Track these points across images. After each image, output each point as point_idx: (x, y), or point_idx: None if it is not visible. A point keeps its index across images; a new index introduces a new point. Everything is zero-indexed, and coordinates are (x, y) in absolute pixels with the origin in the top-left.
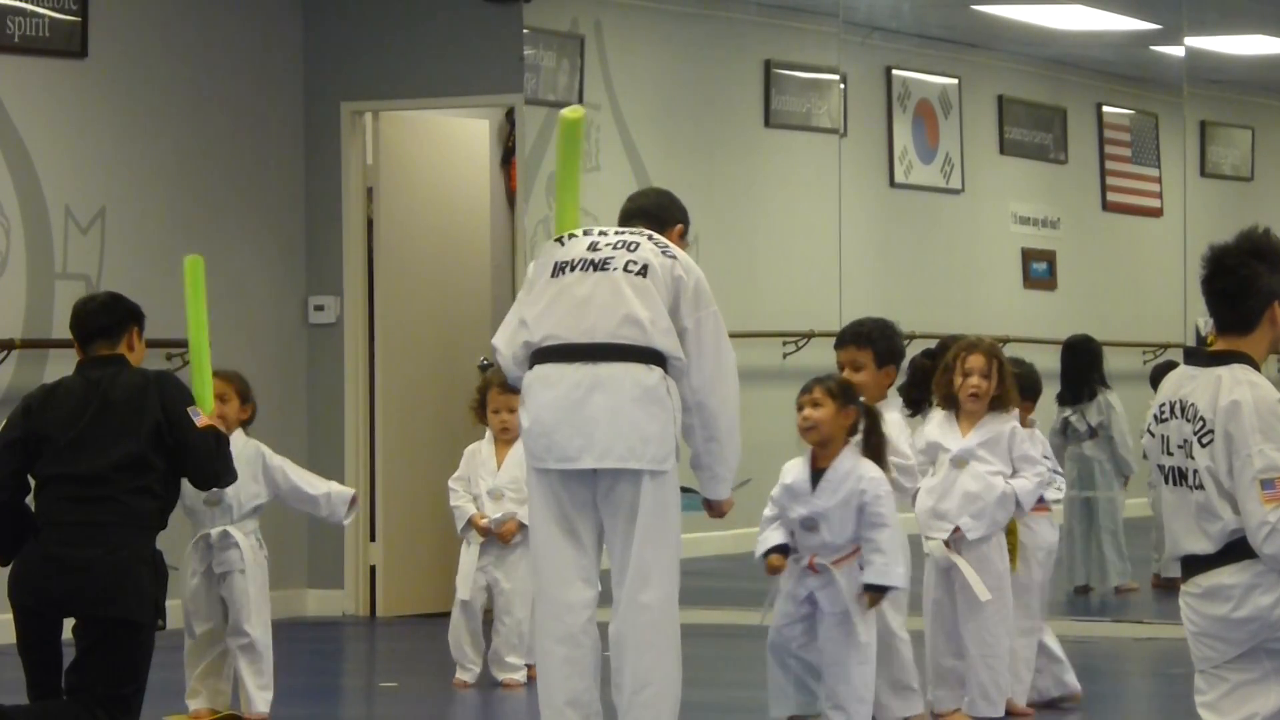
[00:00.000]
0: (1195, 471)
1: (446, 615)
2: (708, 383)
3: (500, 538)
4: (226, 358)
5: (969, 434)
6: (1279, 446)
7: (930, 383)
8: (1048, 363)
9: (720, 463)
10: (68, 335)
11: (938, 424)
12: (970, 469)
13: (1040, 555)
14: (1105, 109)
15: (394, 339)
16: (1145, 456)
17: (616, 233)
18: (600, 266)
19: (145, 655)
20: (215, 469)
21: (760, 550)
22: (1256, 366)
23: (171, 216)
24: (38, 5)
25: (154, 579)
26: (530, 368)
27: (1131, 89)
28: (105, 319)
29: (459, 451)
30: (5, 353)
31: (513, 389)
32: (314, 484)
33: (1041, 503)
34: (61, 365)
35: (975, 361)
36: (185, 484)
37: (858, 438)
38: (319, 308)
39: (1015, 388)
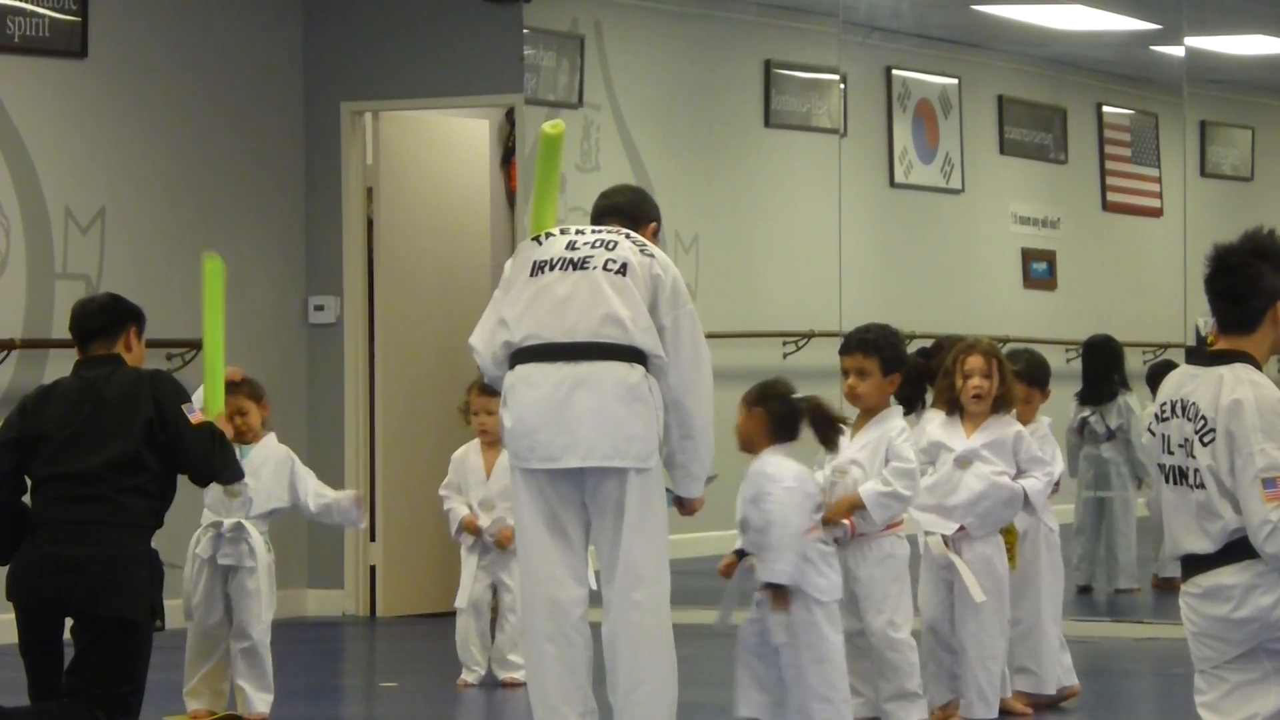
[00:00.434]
0: (1196, 470)
1: (446, 615)
2: (684, 381)
3: (498, 544)
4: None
5: (973, 435)
6: None
7: (924, 382)
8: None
9: (695, 460)
10: (68, 335)
11: (940, 425)
12: (975, 469)
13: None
14: (1105, 109)
15: (394, 339)
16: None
17: (594, 231)
18: (580, 265)
19: (143, 655)
20: (213, 465)
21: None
22: (1258, 366)
23: (171, 216)
24: (38, 5)
25: (149, 578)
26: (511, 368)
27: (1131, 89)
28: (102, 319)
29: None
30: (5, 353)
31: (491, 391)
32: (326, 494)
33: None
34: (61, 365)
35: (975, 363)
36: None
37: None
38: (319, 308)
39: (1016, 385)
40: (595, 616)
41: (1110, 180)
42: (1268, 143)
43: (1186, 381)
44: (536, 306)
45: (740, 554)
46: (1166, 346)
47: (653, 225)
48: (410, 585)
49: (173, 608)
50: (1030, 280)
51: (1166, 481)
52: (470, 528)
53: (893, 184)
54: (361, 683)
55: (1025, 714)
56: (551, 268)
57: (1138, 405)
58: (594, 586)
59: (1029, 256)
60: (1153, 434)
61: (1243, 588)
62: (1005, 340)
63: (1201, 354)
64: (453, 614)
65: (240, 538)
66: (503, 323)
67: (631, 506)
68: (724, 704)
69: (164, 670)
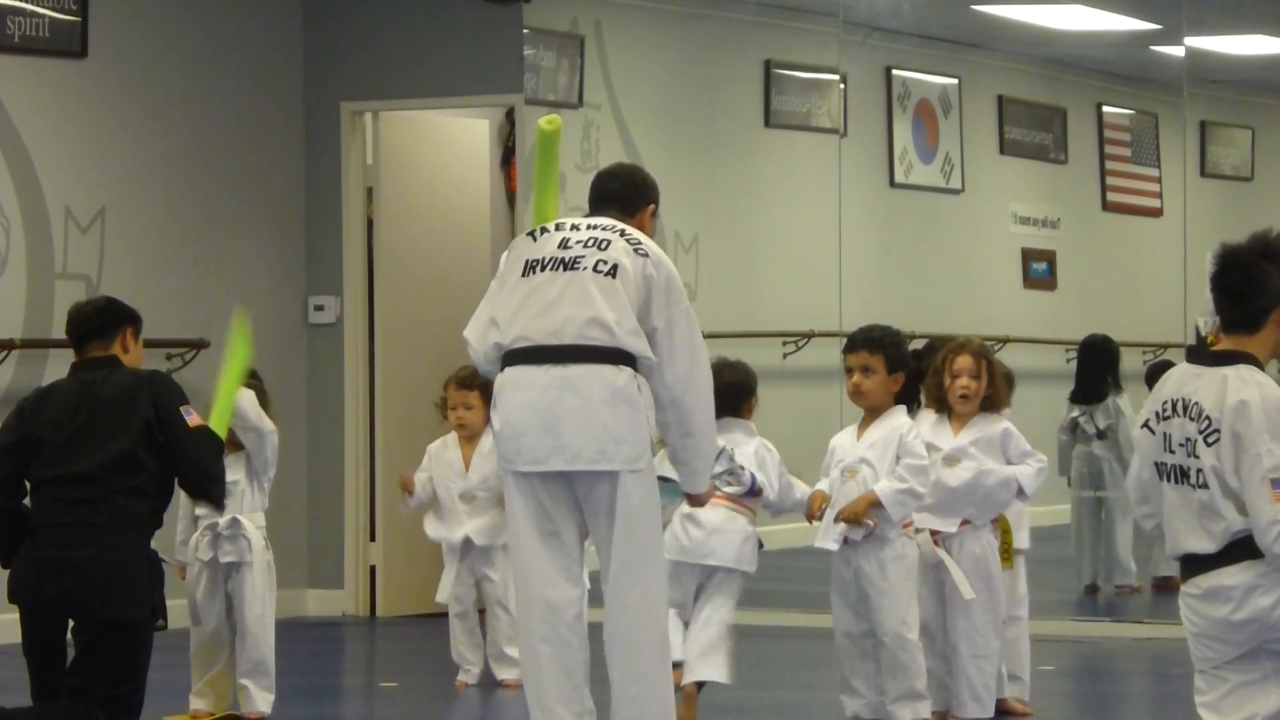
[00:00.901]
0: (1199, 470)
1: (446, 615)
2: (682, 380)
3: (402, 488)
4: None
5: (960, 434)
6: None
7: (917, 383)
8: (1049, 362)
9: (697, 457)
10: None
11: (930, 426)
12: (963, 464)
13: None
14: (1105, 109)
15: (394, 339)
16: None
17: (589, 227)
18: (570, 266)
19: (143, 655)
20: (210, 471)
21: None
22: (1261, 367)
23: (171, 216)
24: (38, 5)
25: (149, 579)
26: (502, 369)
27: (1131, 89)
28: (98, 321)
29: None
30: (5, 353)
31: (468, 385)
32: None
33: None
34: (61, 366)
35: (963, 363)
36: None
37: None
38: (319, 308)
39: (1005, 387)
40: (599, 616)
41: (1110, 180)
42: (1268, 143)
43: (1188, 381)
44: (526, 308)
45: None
46: (1166, 346)
47: (649, 209)
48: (410, 585)
49: (174, 607)
50: (1030, 280)
51: (1167, 480)
52: (406, 485)
53: (893, 184)
54: (361, 683)
55: (1025, 714)
56: (543, 268)
57: (1128, 407)
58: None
59: (1029, 256)
60: (1151, 432)
61: (1243, 589)
62: (1005, 340)
63: (1203, 354)
64: None
65: (238, 534)
66: (494, 322)
67: (624, 508)
68: (724, 704)
69: (165, 670)
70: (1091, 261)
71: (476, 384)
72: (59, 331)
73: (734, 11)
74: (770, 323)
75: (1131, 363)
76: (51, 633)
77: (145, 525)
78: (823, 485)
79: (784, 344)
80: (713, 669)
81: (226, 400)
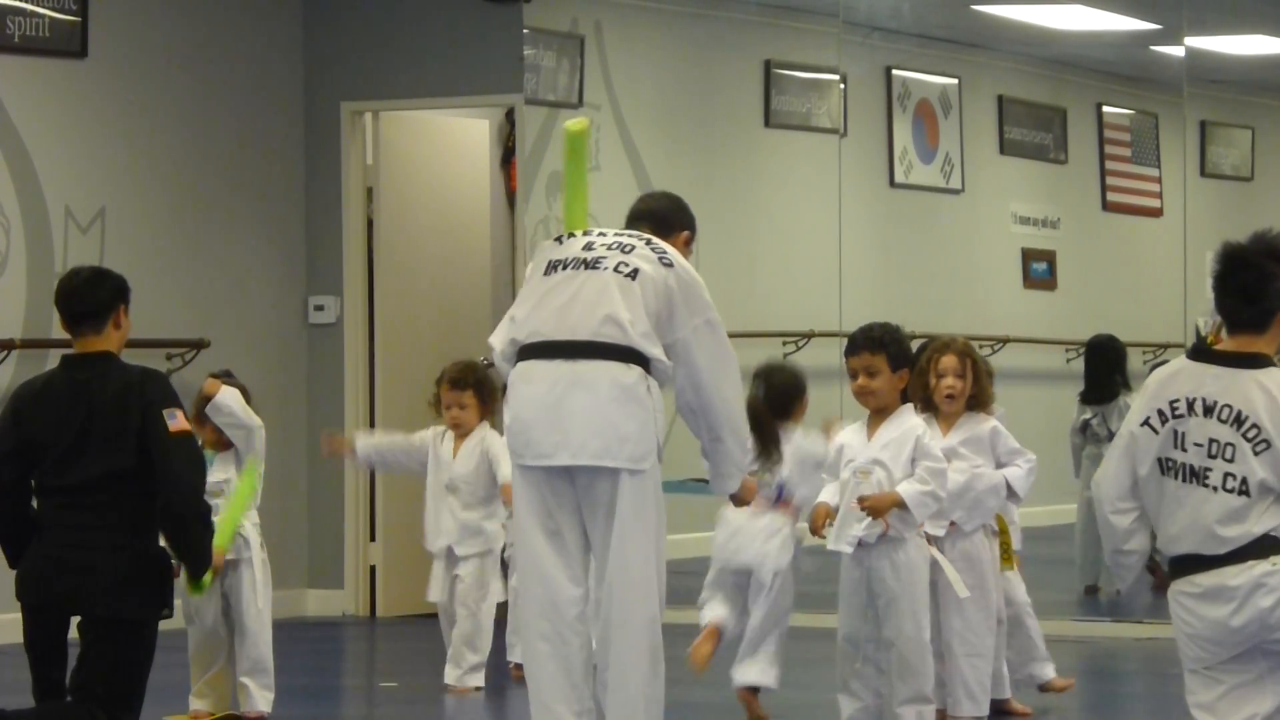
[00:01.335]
0: (1228, 475)
1: None
2: (709, 388)
3: (329, 447)
4: (226, 358)
5: (949, 434)
6: None
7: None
8: (1049, 362)
9: (727, 461)
10: (67, 335)
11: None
12: (954, 465)
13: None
14: (1105, 109)
15: (394, 339)
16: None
17: (615, 234)
18: (591, 265)
19: (146, 655)
20: (187, 479)
21: None
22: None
23: (171, 216)
24: (38, 5)
25: (159, 577)
26: (515, 365)
27: (1131, 89)
28: (92, 302)
29: None
30: (5, 353)
31: (460, 385)
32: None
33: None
34: None
35: (948, 362)
36: None
37: None
38: (319, 308)
39: (991, 386)
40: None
41: (1110, 180)
42: (1268, 143)
43: (1206, 381)
44: (543, 305)
45: None
46: (1166, 346)
47: (684, 234)
48: (410, 585)
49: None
50: (1030, 280)
51: (1173, 478)
52: (336, 446)
53: (893, 184)
54: (361, 683)
55: (1025, 714)
56: (564, 267)
57: None
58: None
59: (1029, 256)
60: (1154, 430)
61: (1246, 589)
62: (1005, 340)
63: (1211, 353)
64: None
65: (234, 531)
66: (512, 320)
67: (623, 509)
68: (724, 705)
69: (165, 670)
70: (1091, 261)
71: (469, 384)
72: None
73: (734, 11)
74: (770, 322)
75: (1132, 363)
76: (53, 630)
77: (150, 525)
78: (830, 488)
79: (784, 344)
80: (756, 673)
81: (229, 525)
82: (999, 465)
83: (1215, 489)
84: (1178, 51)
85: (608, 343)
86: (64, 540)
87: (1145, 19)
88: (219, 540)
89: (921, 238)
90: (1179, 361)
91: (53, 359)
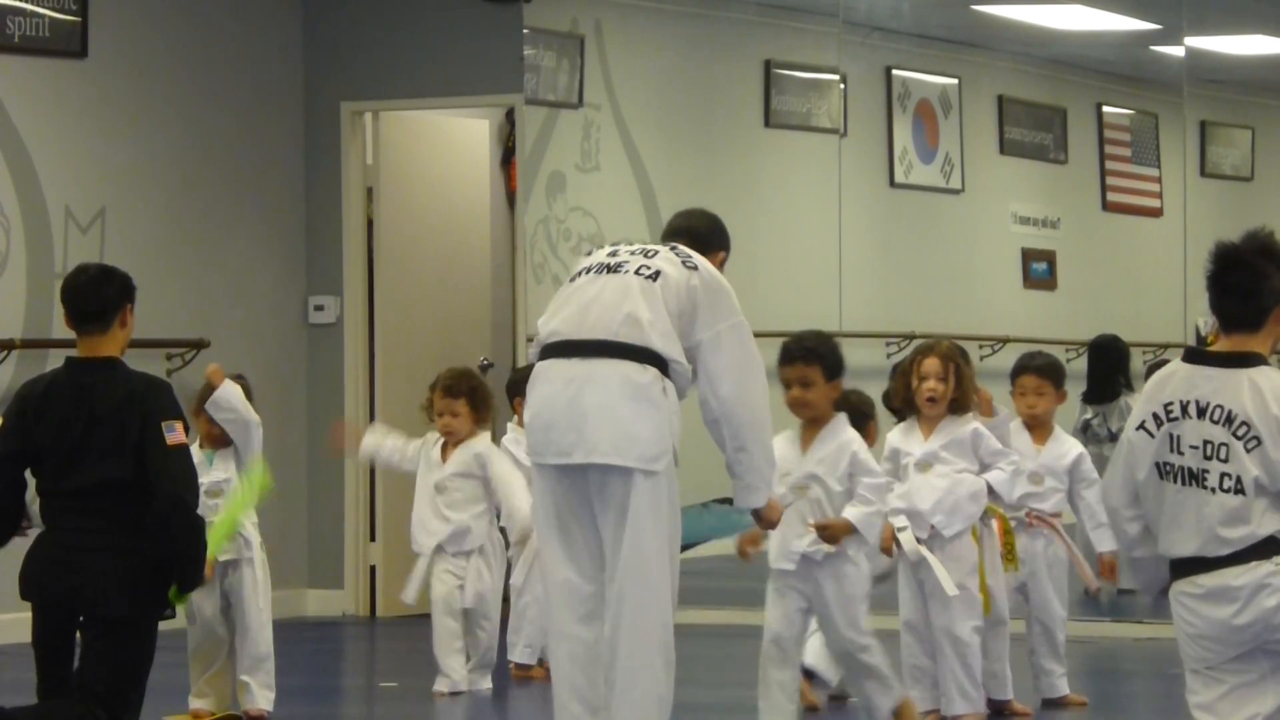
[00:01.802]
0: (1224, 475)
1: None
2: (733, 394)
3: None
4: (226, 358)
5: (930, 437)
6: None
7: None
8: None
9: (751, 472)
10: (68, 335)
11: (900, 430)
12: (936, 470)
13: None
14: (1105, 109)
15: (394, 339)
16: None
17: (643, 244)
18: (614, 269)
19: (146, 655)
20: (181, 494)
21: None
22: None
23: (171, 216)
24: (38, 5)
25: (160, 578)
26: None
27: (1131, 89)
28: (98, 302)
29: None
30: (5, 353)
31: (453, 393)
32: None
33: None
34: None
35: (930, 366)
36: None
37: None
38: (319, 308)
39: (974, 389)
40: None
41: (1110, 180)
42: (1268, 143)
43: (1199, 382)
44: (565, 306)
45: None
46: (1166, 346)
47: (720, 255)
48: None
49: None
50: (1030, 280)
51: (1172, 482)
52: (356, 435)
53: (893, 184)
54: (361, 683)
55: (1025, 715)
56: (589, 272)
57: None
58: None
59: (1029, 256)
60: (1150, 434)
61: (1249, 589)
62: (1005, 340)
63: (1205, 354)
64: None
65: (234, 530)
66: (540, 325)
67: (635, 508)
68: (726, 704)
69: (165, 670)
70: (1091, 261)
71: (462, 391)
72: (59, 331)
73: (734, 11)
74: (770, 323)
75: (1132, 363)
76: (60, 628)
77: None
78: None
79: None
80: (818, 659)
81: (229, 525)
82: (982, 467)
83: (1214, 490)
84: (1178, 51)
85: (624, 342)
86: (65, 541)
87: (1145, 19)
88: (216, 539)
89: (921, 238)
90: (1174, 364)
91: (53, 359)
